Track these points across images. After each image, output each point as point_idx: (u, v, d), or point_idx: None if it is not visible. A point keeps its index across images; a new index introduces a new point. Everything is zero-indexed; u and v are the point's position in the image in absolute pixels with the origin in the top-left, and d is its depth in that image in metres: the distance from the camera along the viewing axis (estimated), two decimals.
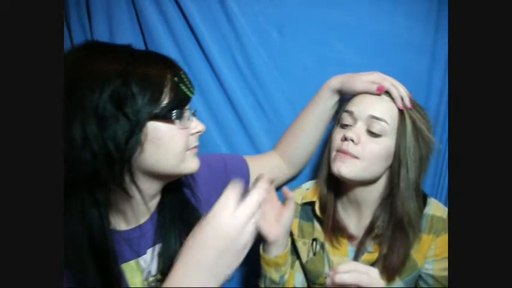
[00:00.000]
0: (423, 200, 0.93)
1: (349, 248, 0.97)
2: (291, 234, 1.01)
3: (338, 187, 0.96)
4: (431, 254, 0.94)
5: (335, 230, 0.95)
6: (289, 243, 0.94)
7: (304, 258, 1.01)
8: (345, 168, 0.86)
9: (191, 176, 0.81)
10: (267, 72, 1.12)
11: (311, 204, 0.99)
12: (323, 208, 0.97)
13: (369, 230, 0.93)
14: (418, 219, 0.90)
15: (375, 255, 0.92)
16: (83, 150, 0.60)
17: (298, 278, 1.03)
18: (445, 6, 1.11)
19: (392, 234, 0.90)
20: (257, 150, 1.14)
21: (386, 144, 0.86)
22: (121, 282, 0.70)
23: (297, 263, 1.04)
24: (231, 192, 0.58)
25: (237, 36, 1.10)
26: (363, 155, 0.85)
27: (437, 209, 0.94)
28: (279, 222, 0.86)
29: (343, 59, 1.11)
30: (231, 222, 0.57)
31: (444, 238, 0.93)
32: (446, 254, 0.93)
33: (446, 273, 0.93)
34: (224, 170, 0.92)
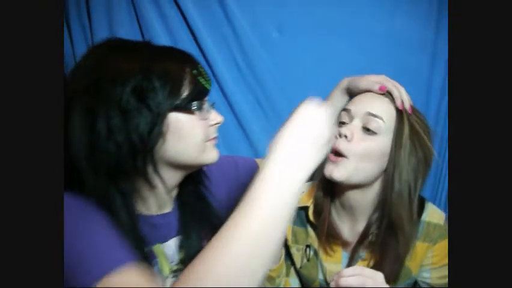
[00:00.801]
0: (421, 205, 0.91)
1: (343, 254, 0.95)
2: (285, 241, 1.00)
3: (332, 191, 0.94)
4: (428, 262, 0.92)
5: (329, 235, 0.94)
6: (283, 253, 0.92)
7: (298, 264, 1.00)
8: (336, 171, 0.85)
9: (204, 174, 0.84)
10: (267, 72, 1.12)
11: (305, 209, 0.98)
12: (316, 213, 0.96)
13: (363, 237, 0.91)
14: (411, 226, 0.87)
15: (369, 262, 0.90)
16: (107, 142, 0.62)
17: (294, 283, 1.03)
18: (445, 6, 1.11)
19: (384, 240, 0.88)
20: (255, 149, 1.14)
21: (380, 143, 0.85)
22: (151, 262, 0.71)
23: (292, 268, 1.03)
24: (309, 100, 0.62)
25: (236, 36, 1.10)
26: (354, 153, 0.84)
27: (433, 215, 0.92)
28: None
29: (343, 58, 1.11)
30: (315, 118, 0.61)
31: (441, 245, 0.91)
32: (444, 262, 0.91)
33: (444, 281, 0.91)
34: (236, 171, 0.93)
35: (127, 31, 1.10)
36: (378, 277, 0.72)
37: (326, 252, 0.96)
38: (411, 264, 0.91)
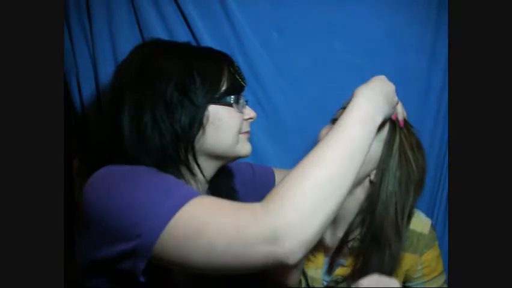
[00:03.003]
0: (409, 215, 0.88)
1: (324, 260, 0.94)
2: None
3: None
4: (420, 274, 0.91)
5: None
6: None
7: None
8: None
9: (231, 176, 0.89)
10: (267, 72, 1.12)
11: None
12: None
13: (342, 243, 0.90)
14: (397, 241, 0.86)
15: (349, 270, 0.89)
16: (153, 131, 0.69)
17: None
18: (445, 5, 1.11)
19: (367, 250, 0.87)
20: (255, 149, 1.13)
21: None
22: None
23: None
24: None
25: (237, 36, 1.10)
26: None
27: (417, 223, 0.90)
28: (294, 268, 0.82)
29: (343, 59, 1.11)
30: (387, 82, 0.75)
31: (428, 256, 0.90)
32: (436, 273, 0.91)
33: None
34: (253, 177, 0.98)
35: (127, 31, 1.09)
36: (395, 283, 0.72)
37: (308, 258, 0.95)
38: (395, 273, 0.90)
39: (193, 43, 1.10)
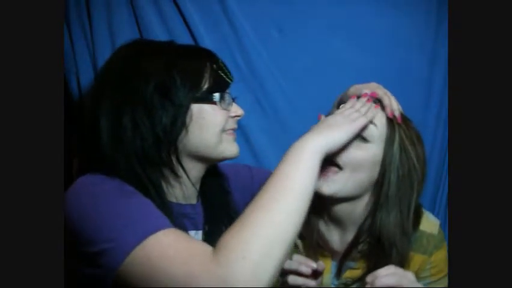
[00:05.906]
0: (417, 214, 0.88)
1: (332, 264, 0.93)
2: None
3: (320, 204, 0.88)
4: (427, 274, 0.90)
5: (317, 245, 0.91)
6: None
7: None
8: (326, 186, 0.81)
9: (224, 178, 0.88)
10: (267, 72, 1.12)
11: None
12: (304, 224, 0.93)
13: (351, 247, 0.89)
14: (404, 241, 0.85)
15: (359, 272, 0.88)
16: (133, 135, 0.68)
17: None
18: (445, 5, 1.11)
19: (376, 251, 0.86)
20: (255, 149, 1.13)
21: (372, 152, 0.83)
22: None
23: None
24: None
25: (237, 36, 1.10)
26: (346, 163, 0.81)
27: (427, 224, 0.89)
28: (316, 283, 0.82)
29: (343, 58, 1.11)
30: (340, 112, 0.77)
31: (438, 256, 0.89)
32: (443, 274, 0.90)
33: None
34: (251, 181, 0.96)
35: (126, 31, 1.09)
36: (411, 276, 0.71)
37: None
38: None
39: (193, 43, 1.10)
